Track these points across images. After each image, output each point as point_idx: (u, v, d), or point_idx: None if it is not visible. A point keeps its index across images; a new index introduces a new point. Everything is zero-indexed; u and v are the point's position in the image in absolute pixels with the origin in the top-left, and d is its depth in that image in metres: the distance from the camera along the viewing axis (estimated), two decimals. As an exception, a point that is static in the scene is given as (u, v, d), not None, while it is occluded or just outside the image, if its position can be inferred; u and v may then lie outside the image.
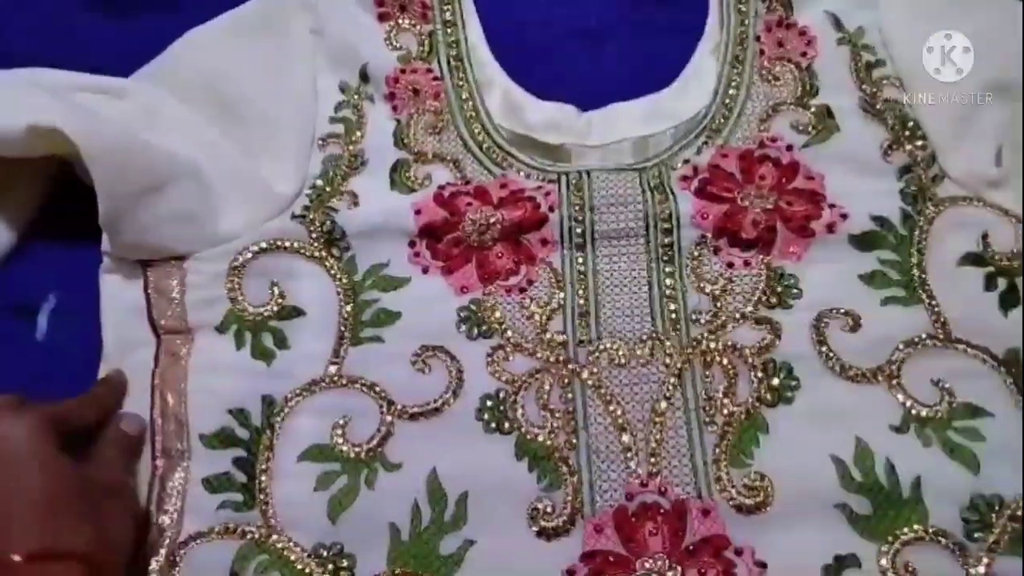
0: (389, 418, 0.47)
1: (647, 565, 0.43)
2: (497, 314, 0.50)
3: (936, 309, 0.49)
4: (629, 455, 0.46)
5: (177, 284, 0.51)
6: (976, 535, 0.42)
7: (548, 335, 0.50)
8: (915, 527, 0.43)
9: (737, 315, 0.50)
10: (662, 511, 0.44)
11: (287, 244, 0.52)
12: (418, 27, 0.61)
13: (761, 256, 0.51)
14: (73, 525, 0.39)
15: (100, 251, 0.51)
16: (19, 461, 0.39)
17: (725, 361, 0.48)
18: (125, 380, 0.49)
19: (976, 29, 0.55)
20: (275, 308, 0.51)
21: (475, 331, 0.50)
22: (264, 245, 0.52)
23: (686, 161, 0.55)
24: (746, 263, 0.51)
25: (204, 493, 0.46)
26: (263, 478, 0.46)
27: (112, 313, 0.50)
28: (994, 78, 0.53)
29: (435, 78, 0.59)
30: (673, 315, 0.50)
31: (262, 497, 0.46)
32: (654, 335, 0.49)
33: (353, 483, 0.46)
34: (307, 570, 0.44)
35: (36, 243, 0.55)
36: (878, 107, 0.55)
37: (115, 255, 0.51)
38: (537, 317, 0.50)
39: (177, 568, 0.44)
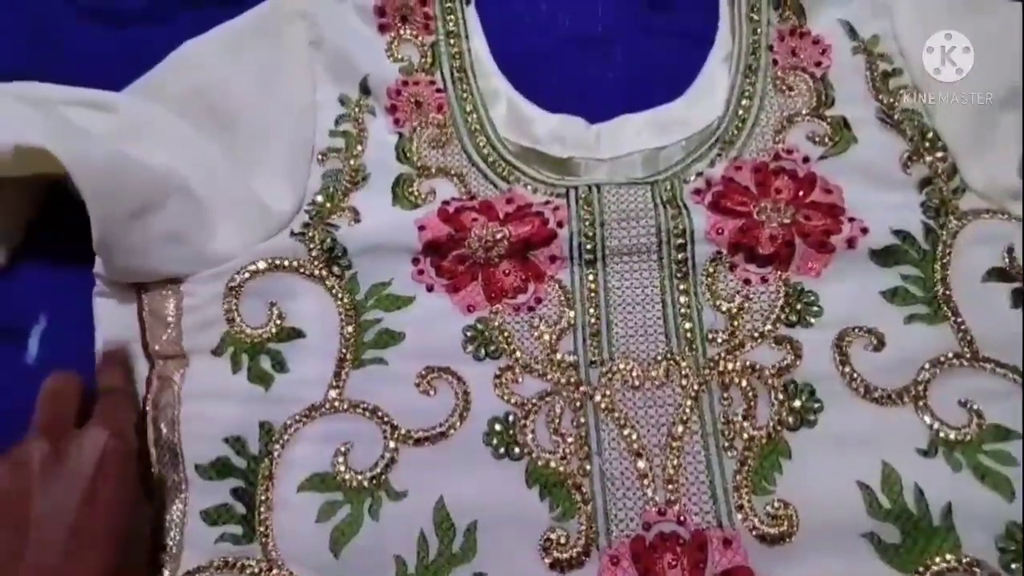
0: (393, 444, 0.46)
1: (667, 598, 0.41)
2: (505, 334, 0.48)
3: (962, 327, 0.47)
4: (645, 482, 0.44)
5: (173, 307, 0.49)
6: (1013, 566, 0.41)
7: (558, 356, 0.48)
8: (947, 557, 0.41)
9: (755, 334, 0.48)
10: (681, 541, 0.42)
11: (286, 263, 0.50)
12: (420, 38, 0.59)
13: (779, 272, 0.49)
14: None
15: (91, 271, 0.49)
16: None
17: (744, 382, 0.46)
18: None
19: (990, 36, 0.53)
20: (273, 329, 0.49)
21: (482, 351, 0.48)
22: (262, 265, 0.50)
23: (699, 174, 0.53)
24: (763, 279, 0.49)
25: (203, 526, 0.44)
26: (262, 509, 0.44)
27: (106, 338, 0.48)
28: (1011, 86, 0.52)
29: (438, 90, 0.57)
30: (688, 334, 0.48)
31: (262, 529, 0.44)
32: (669, 355, 0.47)
33: (356, 513, 0.44)
34: (309, 606, 0.42)
35: (26, 263, 0.53)
36: (896, 117, 0.53)
37: (108, 279, 0.49)
38: (547, 337, 0.48)
39: (176, 604, 0.42)
